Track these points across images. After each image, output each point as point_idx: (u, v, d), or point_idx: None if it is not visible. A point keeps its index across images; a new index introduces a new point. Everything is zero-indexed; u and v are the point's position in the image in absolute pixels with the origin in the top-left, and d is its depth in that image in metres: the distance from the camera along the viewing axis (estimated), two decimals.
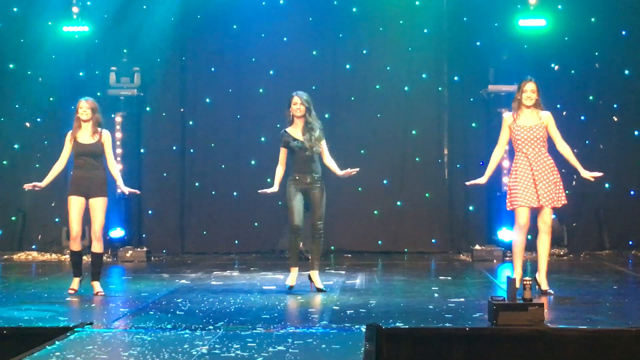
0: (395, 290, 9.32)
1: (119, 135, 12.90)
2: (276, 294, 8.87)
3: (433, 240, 13.09)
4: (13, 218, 13.22)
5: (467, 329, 6.76)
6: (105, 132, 9.00)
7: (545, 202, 8.45)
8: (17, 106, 13.23)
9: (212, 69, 13.33)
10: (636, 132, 12.85)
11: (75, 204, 8.87)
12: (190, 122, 13.40)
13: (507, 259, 11.73)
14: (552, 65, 12.81)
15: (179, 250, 13.28)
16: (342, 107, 13.13)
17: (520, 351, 6.58)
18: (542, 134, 8.52)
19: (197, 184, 13.36)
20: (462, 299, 8.40)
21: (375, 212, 13.15)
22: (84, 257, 9.97)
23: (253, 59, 13.19)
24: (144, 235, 13.29)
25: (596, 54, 12.81)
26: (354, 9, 13.15)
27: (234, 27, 13.23)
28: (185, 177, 13.36)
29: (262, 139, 12.99)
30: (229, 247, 13.23)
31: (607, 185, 12.71)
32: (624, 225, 12.80)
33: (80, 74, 13.00)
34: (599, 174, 8.75)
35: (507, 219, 11.20)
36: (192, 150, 13.39)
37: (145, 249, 12.80)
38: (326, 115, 12.59)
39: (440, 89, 13.16)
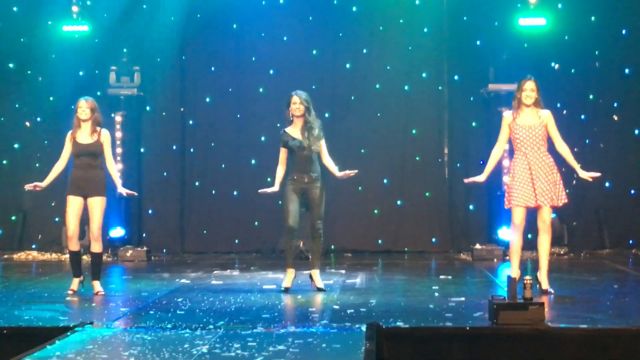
0: (396, 289, 9.32)
1: (119, 134, 12.89)
2: (276, 294, 8.87)
3: (433, 240, 13.09)
4: (13, 218, 13.22)
5: (468, 328, 6.76)
6: (104, 132, 8.99)
7: (543, 201, 8.44)
8: (17, 106, 13.23)
9: (212, 69, 13.33)
10: (636, 131, 12.84)
11: (73, 203, 8.86)
12: (191, 122, 13.39)
13: (508, 258, 11.63)
14: (552, 64, 12.81)
15: (179, 249, 13.28)
16: (342, 106, 13.13)
17: (521, 350, 6.58)
18: (541, 133, 8.52)
19: (197, 183, 13.36)
20: (463, 298, 8.40)
21: (376, 211, 13.15)
22: (84, 257, 9.96)
23: (253, 59, 13.18)
24: (144, 235, 13.29)
25: (596, 53, 12.80)
26: (354, 8, 13.14)
27: (234, 26, 13.23)
28: (186, 177, 13.36)
29: (262, 138, 12.99)
30: (229, 247, 13.22)
31: (607, 184, 12.71)
32: (624, 224, 12.80)
33: (80, 73, 12.99)
34: (597, 175, 8.73)
35: (507, 218, 11.10)
36: (192, 150, 13.39)
37: (145, 248, 12.80)
38: (326, 115, 12.58)
39: (440, 88, 13.15)
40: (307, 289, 9.07)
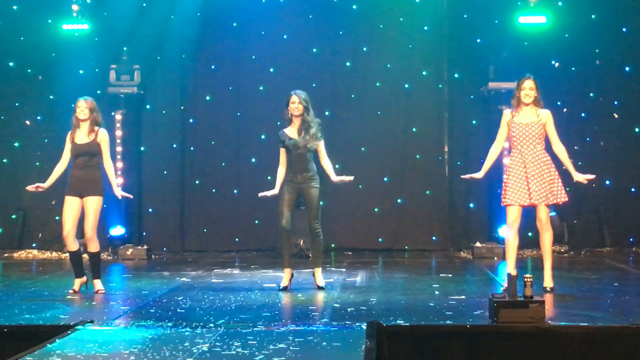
0: (396, 287, 9.32)
1: (119, 133, 12.89)
2: (277, 292, 8.86)
3: (433, 238, 13.09)
4: (13, 216, 13.22)
5: (468, 326, 6.76)
6: (101, 132, 8.93)
7: (538, 199, 8.43)
8: (17, 104, 13.25)
9: (212, 67, 13.33)
10: (637, 129, 12.85)
11: (69, 204, 8.83)
12: (191, 120, 13.40)
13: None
14: (553, 62, 12.81)
15: (179, 248, 13.28)
16: (342, 104, 13.13)
17: (521, 348, 6.57)
18: (538, 132, 8.50)
19: (197, 181, 13.36)
20: (463, 297, 8.40)
21: (376, 209, 13.15)
22: (84, 256, 9.96)
23: (253, 57, 13.18)
24: (144, 233, 13.29)
25: (597, 51, 12.80)
26: (354, 7, 13.14)
27: (234, 24, 13.22)
28: (186, 175, 13.36)
29: (263, 136, 12.99)
30: (230, 245, 13.23)
31: (607, 182, 12.72)
32: (624, 222, 12.81)
33: (81, 72, 13.00)
34: (592, 177, 8.69)
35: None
36: (192, 148, 13.39)
37: (145, 247, 12.80)
38: (326, 113, 12.60)
39: (440, 86, 13.15)
40: (307, 288, 9.07)
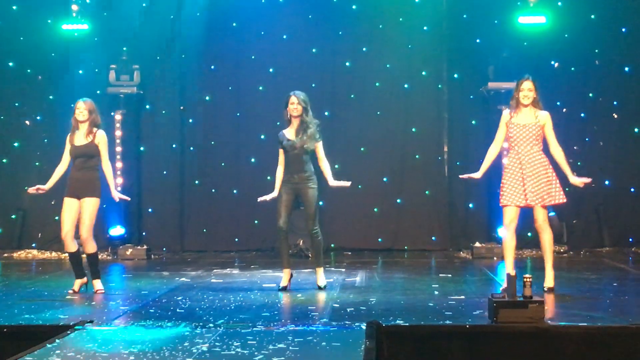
0: (396, 287, 9.32)
1: (118, 133, 12.89)
2: (276, 292, 8.87)
3: (433, 238, 13.09)
4: (13, 216, 13.22)
5: (467, 326, 6.76)
6: (99, 133, 8.92)
7: (533, 200, 8.43)
8: (16, 104, 13.25)
9: (212, 67, 13.33)
10: (636, 129, 12.85)
11: (67, 205, 8.82)
12: (190, 120, 13.39)
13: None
14: (552, 62, 12.81)
15: (179, 248, 13.28)
16: (342, 104, 13.13)
17: (521, 348, 6.58)
18: (535, 133, 8.49)
19: (197, 182, 13.36)
20: (462, 297, 8.40)
21: (375, 209, 13.15)
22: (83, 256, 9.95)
23: (253, 57, 13.18)
24: (144, 233, 13.29)
25: (596, 51, 12.81)
26: (354, 7, 13.14)
27: (234, 24, 13.23)
28: (185, 175, 13.36)
29: (262, 136, 12.99)
30: (229, 245, 13.22)
31: (607, 182, 12.73)
32: (624, 222, 12.80)
33: (80, 72, 13.01)
34: (588, 180, 8.69)
35: None
36: (191, 148, 13.39)
37: (145, 247, 12.80)
38: (326, 113, 12.61)
39: (440, 86, 13.15)
40: (307, 287, 9.08)
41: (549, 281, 8.58)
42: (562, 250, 12.45)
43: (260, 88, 13.17)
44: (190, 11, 13.11)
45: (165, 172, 13.29)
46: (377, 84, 13.16)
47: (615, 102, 12.83)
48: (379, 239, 13.13)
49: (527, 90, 8.53)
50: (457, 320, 7.00)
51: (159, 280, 10.08)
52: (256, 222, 13.09)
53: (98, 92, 12.37)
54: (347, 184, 9.04)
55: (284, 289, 8.92)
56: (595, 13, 12.73)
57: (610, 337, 6.56)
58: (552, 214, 11.23)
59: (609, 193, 12.78)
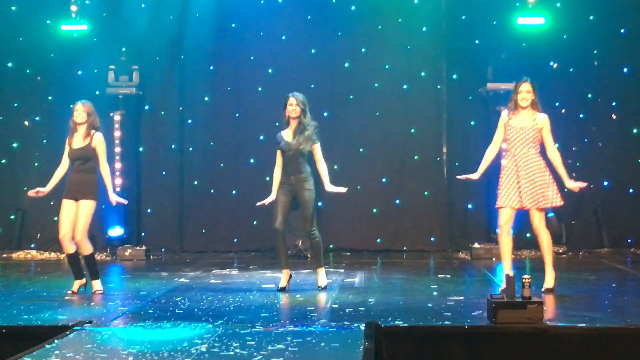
0: (394, 288, 9.33)
1: (117, 133, 12.89)
2: (275, 293, 8.87)
3: (432, 239, 13.09)
4: (12, 217, 13.22)
5: (466, 327, 6.77)
6: (97, 136, 8.90)
7: (528, 203, 8.44)
8: (15, 105, 13.24)
9: (211, 68, 13.33)
10: (635, 130, 12.85)
11: (65, 207, 8.82)
12: (189, 121, 13.39)
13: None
14: (551, 63, 12.82)
15: (178, 248, 13.28)
16: (341, 105, 13.13)
17: (519, 349, 6.58)
18: (532, 135, 8.49)
19: (196, 182, 13.36)
20: (461, 297, 8.41)
21: (374, 210, 13.15)
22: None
23: (252, 58, 13.18)
24: (143, 234, 13.28)
25: (595, 52, 12.81)
26: (353, 8, 13.14)
27: (233, 25, 13.22)
28: (184, 176, 13.35)
29: (261, 137, 12.98)
30: (228, 246, 13.22)
31: (606, 183, 12.73)
32: (622, 223, 12.81)
33: (79, 72, 13.02)
34: (584, 185, 8.69)
35: None
36: (190, 149, 13.39)
37: (144, 247, 12.80)
38: (325, 114, 12.61)
39: (439, 87, 13.15)
40: (306, 288, 9.08)
41: (549, 282, 8.58)
42: (561, 251, 12.46)
43: (260, 89, 13.17)
44: (189, 12, 13.11)
45: (164, 173, 13.29)
46: (376, 85, 13.16)
47: (614, 103, 12.84)
48: (378, 240, 13.12)
49: (525, 92, 8.53)
50: (456, 321, 7.00)
51: (158, 280, 10.08)
52: (255, 222, 13.08)
53: (97, 92, 12.38)
54: (344, 190, 9.06)
55: (283, 289, 8.92)
56: (594, 14, 12.74)
57: (609, 337, 6.57)
58: (551, 214, 11.23)
59: (608, 194, 12.78)
